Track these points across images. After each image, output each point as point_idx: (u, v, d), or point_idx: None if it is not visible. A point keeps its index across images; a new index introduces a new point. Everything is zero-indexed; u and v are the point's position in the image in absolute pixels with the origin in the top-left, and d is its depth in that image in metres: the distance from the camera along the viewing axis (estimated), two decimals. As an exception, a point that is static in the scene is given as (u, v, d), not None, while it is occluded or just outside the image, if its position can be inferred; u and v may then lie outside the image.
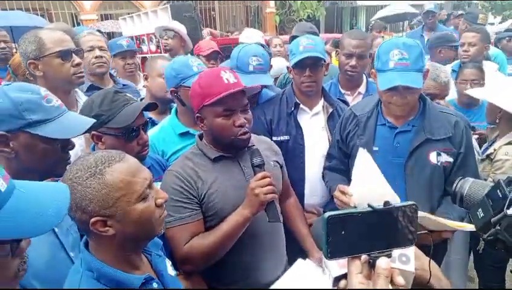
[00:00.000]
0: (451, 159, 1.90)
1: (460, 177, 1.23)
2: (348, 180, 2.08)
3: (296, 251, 1.91)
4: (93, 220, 1.05)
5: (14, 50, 4.30)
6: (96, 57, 2.73)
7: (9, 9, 9.58)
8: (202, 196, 1.63)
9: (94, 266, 1.09)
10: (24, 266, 0.83)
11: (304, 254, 1.89)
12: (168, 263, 1.34)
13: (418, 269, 1.03)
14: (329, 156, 2.24)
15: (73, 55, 2.05)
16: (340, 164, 2.17)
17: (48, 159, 1.30)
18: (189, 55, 4.05)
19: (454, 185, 1.21)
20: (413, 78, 1.79)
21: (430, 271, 1.03)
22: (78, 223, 1.12)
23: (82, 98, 2.19)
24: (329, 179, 2.18)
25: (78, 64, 2.05)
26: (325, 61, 2.29)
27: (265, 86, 2.62)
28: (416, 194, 1.90)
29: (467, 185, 1.17)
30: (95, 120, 1.44)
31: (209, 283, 1.73)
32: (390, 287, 0.74)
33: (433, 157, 1.90)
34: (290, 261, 1.82)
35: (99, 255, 1.11)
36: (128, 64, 3.43)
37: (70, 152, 1.39)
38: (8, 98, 1.24)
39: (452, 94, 2.93)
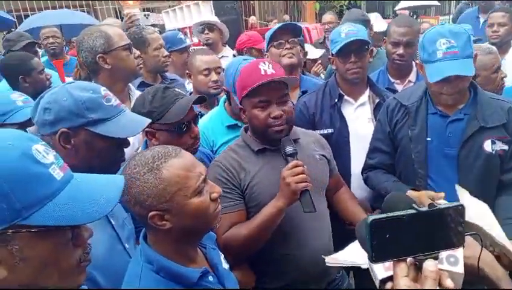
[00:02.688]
0: (506, 147, 1.83)
1: None
2: (394, 176, 2.04)
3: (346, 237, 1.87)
4: (151, 214, 1.09)
5: (66, 45, 4.55)
6: (165, 56, 2.81)
7: (57, 6, 10.02)
8: (245, 187, 1.65)
9: (154, 258, 1.13)
10: (87, 257, 0.85)
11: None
12: (222, 256, 1.37)
13: (469, 258, 1.00)
14: (374, 151, 2.12)
15: (132, 47, 2.17)
16: (388, 159, 2.08)
17: (104, 157, 1.34)
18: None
19: None
20: (464, 66, 1.73)
21: (479, 259, 1.00)
22: (137, 217, 1.17)
23: (135, 92, 2.29)
24: (378, 182, 2.06)
25: (138, 56, 2.18)
26: (369, 45, 2.23)
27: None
28: (471, 185, 1.79)
29: None
30: (150, 120, 1.48)
31: (257, 275, 1.74)
32: None
33: (487, 145, 1.83)
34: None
35: (157, 248, 1.15)
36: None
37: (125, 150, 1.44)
38: (72, 97, 1.29)
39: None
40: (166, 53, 2.83)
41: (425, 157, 1.92)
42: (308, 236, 1.72)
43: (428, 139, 1.92)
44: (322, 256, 1.59)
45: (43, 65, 2.94)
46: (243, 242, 1.59)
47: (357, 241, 1.71)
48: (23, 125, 1.91)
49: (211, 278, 1.21)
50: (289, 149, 1.58)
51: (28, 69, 2.76)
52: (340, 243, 1.80)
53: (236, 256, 1.63)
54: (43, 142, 0.82)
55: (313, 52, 3.85)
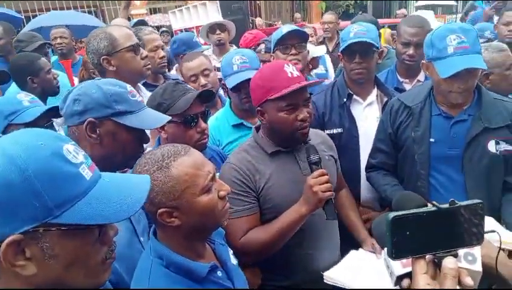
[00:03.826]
0: (510, 148, 1.83)
1: None
2: (396, 177, 2.06)
3: (346, 241, 1.90)
4: (160, 211, 1.11)
5: (75, 46, 4.58)
6: (161, 58, 2.78)
7: (65, 7, 10.10)
8: (260, 190, 1.65)
9: (163, 253, 1.15)
10: (112, 254, 0.87)
11: (353, 245, 1.88)
12: (230, 251, 1.39)
13: (485, 257, 0.99)
14: (376, 151, 2.14)
15: (141, 48, 2.16)
16: (389, 159, 2.10)
17: (126, 149, 1.40)
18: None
19: None
20: (477, 60, 1.74)
21: (497, 259, 0.99)
22: (146, 214, 1.18)
23: (145, 93, 2.29)
24: (379, 184, 2.09)
25: (145, 57, 2.17)
26: (377, 48, 2.22)
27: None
28: (475, 186, 1.84)
29: None
30: (170, 117, 1.53)
31: (266, 275, 1.75)
32: (458, 288, 0.72)
33: (491, 146, 1.83)
34: (342, 253, 1.82)
35: (167, 244, 1.17)
36: None
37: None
38: (100, 90, 1.36)
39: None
40: (162, 54, 2.78)
41: (427, 159, 1.93)
42: (322, 236, 1.74)
43: (432, 140, 1.92)
44: (321, 272, 1.63)
45: (50, 64, 2.94)
46: (262, 246, 1.59)
47: (352, 252, 1.76)
48: (29, 125, 1.91)
49: (219, 273, 1.23)
50: (314, 157, 1.58)
51: (36, 70, 2.76)
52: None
53: (253, 259, 1.65)
54: (73, 142, 0.83)
55: (316, 51, 3.78)
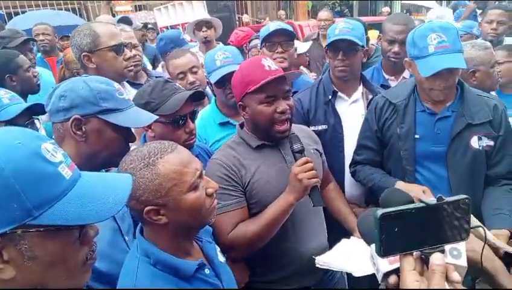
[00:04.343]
0: (492, 143, 1.87)
1: None
2: (383, 171, 2.07)
3: (337, 230, 1.90)
4: (146, 209, 1.10)
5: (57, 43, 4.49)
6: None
7: (48, 5, 9.91)
8: (246, 184, 1.65)
9: (150, 251, 1.14)
10: (93, 255, 0.85)
11: (344, 234, 1.87)
12: (218, 249, 1.38)
13: (469, 251, 1.00)
14: (361, 148, 2.16)
15: (125, 49, 2.12)
16: (375, 156, 2.11)
17: (112, 147, 1.38)
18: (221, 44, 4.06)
19: None
20: (457, 59, 1.76)
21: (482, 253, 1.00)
22: (132, 212, 1.18)
23: (130, 91, 2.26)
24: (366, 174, 2.10)
25: (129, 58, 2.14)
26: (363, 47, 2.22)
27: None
28: (459, 181, 1.87)
29: None
30: (157, 116, 1.51)
31: (253, 270, 1.76)
32: (446, 284, 0.72)
33: (474, 142, 1.87)
34: (331, 244, 1.81)
35: (154, 242, 1.16)
36: None
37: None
38: (88, 86, 1.34)
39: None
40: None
41: (413, 155, 1.95)
42: (309, 229, 1.75)
43: (417, 136, 1.94)
44: (313, 257, 1.62)
45: (30, 62, 2.87)
46: (252, 238, 1.60)
47: (343, 240, 1.76)
48: (9, 123, 1.86)
49: (207, 270, 1.22)
50: (297, 146, 1.60)
51: (14, 68, 2.68)
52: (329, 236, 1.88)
53: (242, 252, 1.66)
54: (52, 141, 0.81)
55: (301, 47, 3.78)
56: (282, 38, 2.49)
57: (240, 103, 1.68)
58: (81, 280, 0.84)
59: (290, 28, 2.59)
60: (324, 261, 1.63)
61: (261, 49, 2.60)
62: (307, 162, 1.55)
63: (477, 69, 2.31)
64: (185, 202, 1.12)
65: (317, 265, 1.62)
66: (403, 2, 11.37)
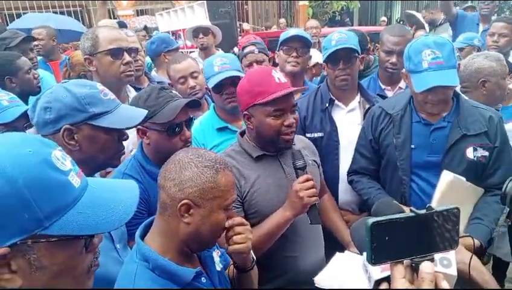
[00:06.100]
0: (486, 153, 1.89)
1: (510, 178, 1.19)
2: (378, 182, 2.11)
3: (330, 244, 1.92)
4: (185, 201, 1.13)
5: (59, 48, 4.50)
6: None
7: (50, 7, 9.94)
8: (244, 194, 1.66)
9: (150, 256, 1.14)
10: (96, 261, 0.84)
11: (338, 248, 1.88)
12: (217, 257, 1.38)
13: (459, 263, 1.01)
14: (357, 156, 2.18)
15: (125, 53, 2.11)
16: (371, 164, 2.13)
17: (107, 150, 1.37)
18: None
19: (504, 186, 1.18)
20: (449, 76, 1.77)
21: (470, 265, 1.02)
22: (162, 198, 1.17)
23: (133, 93, 2.27)
24: (363, 187, 2.13)
25: (127, 63, 2.12)
26: (359, 54, 2.26)
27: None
28: None
29: None
30: (146, 111, 1.49)
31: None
32: None
33: (469, 152, 1.88)
34: (327, 256, 1.83)
35: (157, 241, 1.18)
36: None
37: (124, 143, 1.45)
38: (71, 93, 1.30)
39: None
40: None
41: (409, 165, 1.96)
42: (305, 240, 1.76)
43: (413, 146, 1.96)
44: (312, 279, 1.62)
45: (30, 64, 2.87)
46: None
47: (337, 255, 1.77)
48: (9, 126, 1.88)
49: (203, 279, 1.23)
50: (300, 163, 1.61)
51: (14, 70, 2.69)
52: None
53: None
54: (59, 148, 0.80)
55: (316, 56, 3.81)
56: (299, 44, 2.65)
57: (246, 112, 1.68)
58: (86, 286, 0.83)
59: (309, 37, 2.76)
60: (324, 279, 1.63)
61: (278, 51, 2.76)
62: (308, 180, 1.56)
63: (487, 80, 2.32)
64: (214, 216, 1.18)
65: (316, 285, 1.62)
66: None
